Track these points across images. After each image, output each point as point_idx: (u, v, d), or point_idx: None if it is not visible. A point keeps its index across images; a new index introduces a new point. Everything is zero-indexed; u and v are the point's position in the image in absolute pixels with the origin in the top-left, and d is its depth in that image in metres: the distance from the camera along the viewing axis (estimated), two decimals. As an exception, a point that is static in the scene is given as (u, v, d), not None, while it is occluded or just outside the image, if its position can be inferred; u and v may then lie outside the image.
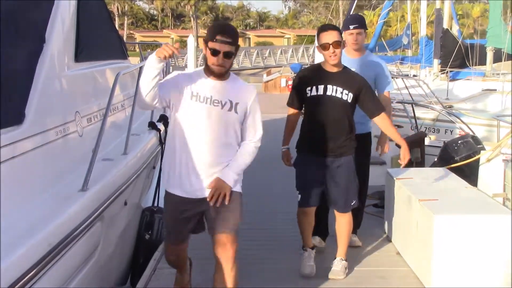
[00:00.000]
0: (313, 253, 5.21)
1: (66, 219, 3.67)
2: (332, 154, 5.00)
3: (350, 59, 5.59)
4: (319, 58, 5.06)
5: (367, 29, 5.96)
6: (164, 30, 74.69)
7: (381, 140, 5.96)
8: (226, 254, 3.92)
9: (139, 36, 65.40)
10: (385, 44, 24.85)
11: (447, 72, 17.99)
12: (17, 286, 2.88)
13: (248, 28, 78.62)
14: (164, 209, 4.16)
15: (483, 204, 5.23)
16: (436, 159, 8.06)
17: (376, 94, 5.76)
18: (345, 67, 5.06)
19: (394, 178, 6.08)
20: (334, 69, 4.97)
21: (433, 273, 4.90)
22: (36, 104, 3.94)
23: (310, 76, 5.13)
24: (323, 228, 5.81)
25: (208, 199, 3.90)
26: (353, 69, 5.21)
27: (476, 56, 18.90)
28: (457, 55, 18.66)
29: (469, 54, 18.72)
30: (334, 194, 5.09)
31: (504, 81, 14.73)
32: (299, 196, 5.07)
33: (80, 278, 3.90)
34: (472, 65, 18.66)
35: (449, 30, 19.95)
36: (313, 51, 27.62)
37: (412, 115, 11.00)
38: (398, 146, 5.20)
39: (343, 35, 5.21)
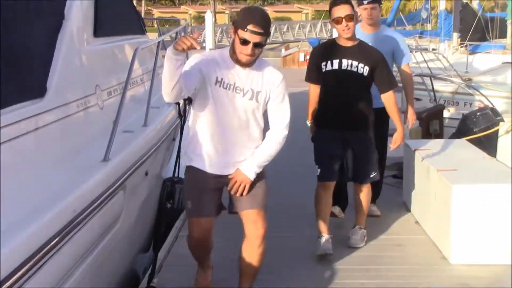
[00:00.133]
0: (330, 238, 5.07)
1: (90, 188, 3.75)
2: (350, 128, 5.00)
3: (365, 34, 5.58)
4: (336, 33, 5.04)
5: (381, 3, 5.95)
6: (182, 6, 74.47)
7: (409, 113, 5.99)
8: (257, 232, 3.90)
9: (157, 12, 65.20)
10: (404, 19, 24.65)
11: (466, 45, 17.85)
12: (44, 250, 2.97)
13: (266, 3, 78.38)
14: (186, 183, 4.05)
15: (502, 174, 5.25)
16: (455, 131, 8.07)
17: (396, 68, 5.79)
18: (360, 41, 5.03)
19: (413, 150, 6.11)
20: (349, 43, 4.95)
21: (452, 242, 4.95)
22: (57, 78, 4.01)
23: (324, 51, 5.12)
24: (343, 198, 5.83)
25: (228, 189, 3.90)
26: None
27: (496, 29, 18.74)
28: (476, 29, 18.49)
29: (489, 27, 18.55)
30: (353, 167, 5.10)
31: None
32: (318, 170, 5.05)
33: (104, 245, 3.99)
34: (492, 39, 18.50)
35: (469, 3, 19.76)
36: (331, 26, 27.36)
37: (431, 88, 10.98)
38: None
39: (358, 10, 5.21)
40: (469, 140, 6.64)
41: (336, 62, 4.94)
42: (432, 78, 11.13)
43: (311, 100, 5.17)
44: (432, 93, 10.84)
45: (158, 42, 6.22)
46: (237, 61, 3.72)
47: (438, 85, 11.73)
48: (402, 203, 6.45)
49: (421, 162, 5.76)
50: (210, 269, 4.27)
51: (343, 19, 4.80)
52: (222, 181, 3.91)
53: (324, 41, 5.47)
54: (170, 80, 3.55)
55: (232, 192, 3.90)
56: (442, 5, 22.08)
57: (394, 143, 5.11)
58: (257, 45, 3.63)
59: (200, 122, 3.84)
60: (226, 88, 3.73)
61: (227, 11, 69.63)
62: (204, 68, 3.71)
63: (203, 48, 20.47)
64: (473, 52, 17.52)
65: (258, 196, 3.91)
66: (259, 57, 3.76)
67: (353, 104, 4.98)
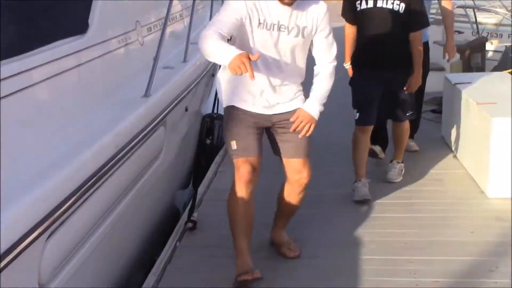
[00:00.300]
0: (367, 183, 5.02)
1: (132, 123, 3.83)
2: (388, 67, 4.88)
3: None
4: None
5: None
6: None
7: (448, 47, 5.90)
8: (301, 181, 3.85)
9: None
10: None
11: (512, -26, 17.27)
12: (90, 182, 3.07)
13: None
14: (229, 123, 3.79)
15: (543, 107, 5.18)
16: (497, 64, 7.94)
17: (437, 3, 5.66)
18: None
19: (453, 83, 6.05)
20: None
21: (490, 175, 4.94)
22: (99, 14, 4.04)
23: None
24: (383, 138, 5.80)
25: (291, 130, 3.73)
26: None
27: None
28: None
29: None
30: (391, 106, 5.04)
31: None
32: (357, 114, 4.96)
33: (146, 179, 4.09)
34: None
35: None
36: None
37: (474, 20, 10.73)
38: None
39: None
40: (511, 73, 6.53)
41: (370, 1, 4.83)
42: (475, 10, 10.86)
43: (347, 41, 5.06)
44: (474, 25, 10.59)
45: None
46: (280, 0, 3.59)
47: (481, 17, 11.43)
48: (440, 138, 6.43)
49: (461, 96, 5.70)
50: (250, 253, 3.80)
51: None
52: (265, 121, 3.78)
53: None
54: (209, 58, 3.51)
55: (299, 134, 3.71)
56: None
57: (408, 87, 4.95)
58: None
59: None
60: (269, 29, 3.59)
61: None
62: (243, 14, 3.55)
63: None
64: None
65: (303, 144, 3.80)
66: None
67: (391, 42, 4.86)
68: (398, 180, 5.33)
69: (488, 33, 11.83)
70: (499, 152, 4.87)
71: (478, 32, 10.41)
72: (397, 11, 4.79)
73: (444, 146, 6.21)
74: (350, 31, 5.05)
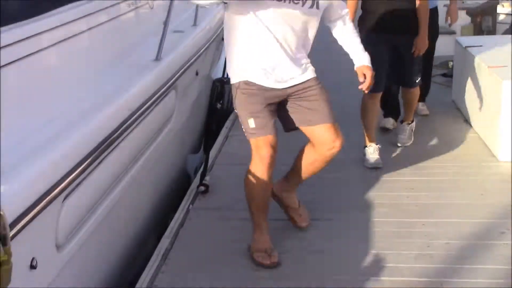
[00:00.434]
0: (378, 148, 5.01)
1: (143, 87, 3.83)
2: (397, 31, 4.80)
3: None
4: None
5: None
6: None
7: (451, 10, 5.84)
8: (333, 150, 3.63)
9: None
10: None
11: None
12: (104, 145, 3.09)
13: None
14: (243, 100, 3.56)
15: (554, 70, 5.15)
16: (508, 27, 7.88)
17: None
18: None
19: (464, 47, 6.01)
20: None
21: (501, 139, 4.95)
22: (108, -22, 4.03)
23: None
24: (394, 108, 5.76)
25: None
26: None
27: None
28: None
29: None
30: (400, 71, 4.99)
31: None
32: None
33: (157, 143, 4.11)
34: None
35: None
36: None
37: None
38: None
39: None
40: (523, 36, 6.48)
41: None
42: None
43: (350, 7, 4.71)
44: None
45: None
46: None
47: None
48: (451, 102, 6.41)
49: (471, 59, 5.68)
50: (268, 231, 3.77)
51: None
52: (279, 96, 3.59)
53: None
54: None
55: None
56: None
57: (415, 49, 4.86)
58: None
59: (253, 37, 3.48)
60: (283, 0, 3.42)
61: None
62: None
63: None
64: None
65: (327, 109, 3.61)
66: None
67: (399, 5, 4.78)
68: (408, 143, 5.33)
69: (500, -5, 11.71)
70: (509, 115, 4.86)
71: (489, -5, 10.31)
72: None
73: (454, 110, 6.21)
74: None
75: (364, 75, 3.70)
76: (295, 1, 3.44)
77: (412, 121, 5.40)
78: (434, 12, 5.09)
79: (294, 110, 3.66)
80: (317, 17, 3.59)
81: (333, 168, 4.36)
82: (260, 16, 3.43)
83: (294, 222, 4.03)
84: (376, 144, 5.02)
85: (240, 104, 3.59)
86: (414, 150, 5.27)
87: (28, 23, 3.05)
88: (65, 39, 3.36)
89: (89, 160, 2.94)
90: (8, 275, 2.13)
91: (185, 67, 4.59)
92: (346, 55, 3.81)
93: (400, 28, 4.82)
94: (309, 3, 3.48)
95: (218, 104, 5.44)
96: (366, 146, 5.02)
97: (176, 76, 4.36)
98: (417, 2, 4.80)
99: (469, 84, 5.73)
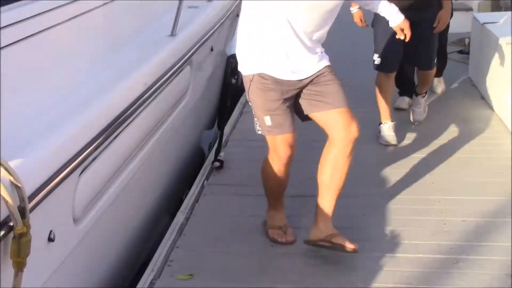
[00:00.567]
0: (393, 125, 4.96)
1: (159, 62, 3.82)
2: (418, 7, 4.66)
3: None
4: None
5: None
6: None
7: None
8: (351, 136, 3.36)
9: None
10: None
11: None
12: (120, 119, 3.09)
13: None
14: (258, 95, 3.38)
15: None
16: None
17: None
18: None
19: (481, 23, 5.95)
20: None
21: (517, 115, 4.92)
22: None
23: None
24: (410, 87, 5.65)
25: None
26: None
27: None
28: None
29: None
30: (417, 51, 4.87)
31: None
32: (378, 60, 4.85)
33: (173, 118, 4.10)
34: None
35: None
36: None
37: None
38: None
39: None
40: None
41: None
42: None
43: None
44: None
45: None
46: None
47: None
48: (467, 79, 6.36)
49: (489, 35, 5.61)
50: (284, 208, 3.74)
51: None
52: (296, 88, 3.40)
53: None
54: None
55: (333, 83, 3.41)
56: None
57: (437, 23, 4.81)
58: None
59: (270, 29, 3.29)
60: None
61: None
62: None
63: None
64: None
65: (344, 95, 3.42)
66: None
67: None
68: (423, 116, 5.31)
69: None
70: (528, 92, 4.82)
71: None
72: None
73: (471, 87, 6.16)
74: None
75: (402, 30, 3.78)
76: None
77: (426, 93, 5.36)
78: None
79: (307, 96, 3.44)
80: (339, 6, 3.39)
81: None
82: (282, 4, 3.24)
83: (342, 248, 3.40)
84: (392, 122, 4.99)
85: (255, 101, 3.42)
86: (430, 127, 5.24)
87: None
88: (80, 14, 3.35)
89: (105, 135, 2.95)
90: (28, 246, 2.15)
91: (200, 42, 4.58)
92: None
93: (422, 4, 4.74)
94: None
95: (232, 79, 5.42)
96: (381, 123, 4.99)
97: (191, 52, 4.35)
98: None
99: (487, 61, 5.67)
